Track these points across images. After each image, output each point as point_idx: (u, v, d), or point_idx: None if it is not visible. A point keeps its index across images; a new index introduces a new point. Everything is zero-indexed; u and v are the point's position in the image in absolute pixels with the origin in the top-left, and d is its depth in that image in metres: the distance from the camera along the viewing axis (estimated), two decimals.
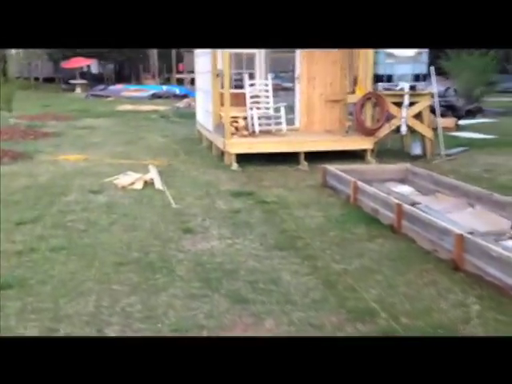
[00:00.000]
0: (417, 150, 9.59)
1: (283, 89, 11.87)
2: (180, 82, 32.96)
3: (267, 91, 9.96)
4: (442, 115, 10.93)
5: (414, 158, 9.51)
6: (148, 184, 7.34)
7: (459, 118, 14.56)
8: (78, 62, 34.28)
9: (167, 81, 34.86)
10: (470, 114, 15.98)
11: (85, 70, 36.70)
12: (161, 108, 20.22)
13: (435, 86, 9.42)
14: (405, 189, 7.03)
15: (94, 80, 34.41)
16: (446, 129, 11.27)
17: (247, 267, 4.48)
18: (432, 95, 9.54)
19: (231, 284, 4.13)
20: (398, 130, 9.63)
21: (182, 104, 21.53)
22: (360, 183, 6.28)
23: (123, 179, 7.37)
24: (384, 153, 9.59)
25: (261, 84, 10.08)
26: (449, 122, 13.26)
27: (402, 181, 7.43)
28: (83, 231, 5.35)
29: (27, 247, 4.85)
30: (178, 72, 35.51)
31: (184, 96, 24.89)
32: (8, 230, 5.32)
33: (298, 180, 7.94)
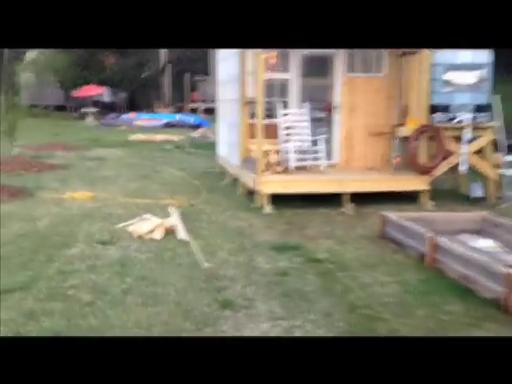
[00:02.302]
0: (477, 191, 8.25)
1: (314, 119, 10.64)
2: (193, 111, 32.19)
3: (303, 121, 8.72)
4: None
5: (473, 201, 8.19)
6: (169, 232, 6.06)
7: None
8: (90, 90, 33.56)
9: (180, 109, 34.06)
10: None
11: (96, 98, 36.02)
12: (175, 138, 19.12)
13: (501, 118, 8.13)
14: (487, 243, 5.68)
15: (106, 108, 33.65)
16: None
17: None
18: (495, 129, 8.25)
19: None
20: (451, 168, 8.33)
21: (197, 134, 20.52)
22: (441, 239, 4.95)
23: (139, 226, 6.08)
24: (438, 194, 8.25)
25: (295, 114, 8.86)
26: (494, 158, 11.95)
27: (479, 232, 6.09)
28: (88, 304, 4.03)
29: (11, 331, 3.53)
30: (192, 101, 34.74)
31: (198, 126, 24.04)
32: None
33: (347, 228, 6.61)
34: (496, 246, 5.59)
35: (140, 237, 5.80)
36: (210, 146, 15.85)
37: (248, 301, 4.18)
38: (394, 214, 6.03)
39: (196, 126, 23.91)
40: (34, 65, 31.85)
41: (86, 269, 4.82)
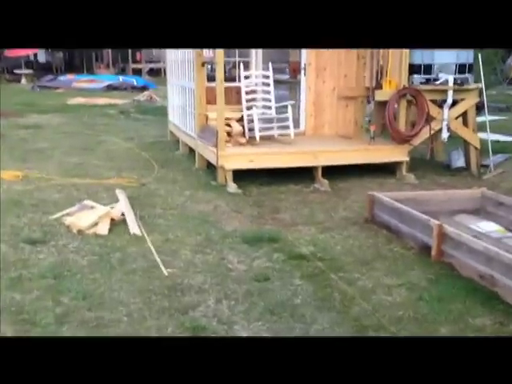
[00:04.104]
0: (459, 160, 7.53)
1: (277, 82, 9.59)
2: (137, 72, 30.35)
3: (268, 85, 7.67)
4: None
5: (455, 171, 7.48)
6: (117, 222, 4.98)
7: None
8: (23, 50, 30.92)
9: (123, 71, 32.05)
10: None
11: (31, 58, 33.37)
12: (118, 102, 17.58)
13: (483, 80, 7.35)
14: (490, 226, 4.92)
15: (41, 69, 31.20)
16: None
17: None
18: (480, 91, 7.48)
19: None
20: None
21: (142, 97, 18.99)
22: (452, 230, 4.12)
23: (79, 216, 4.95)
24: (415, 165, 7.44)
25: (258, 76, 7.79)
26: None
27: (477, 212, 5.34)
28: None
29: None
30: (135, 61, 32.74)
31: (143, 88, 22.47)
32: None
33: (327, 209, 5.72)
34: (502, 230, 4.85)
35: (80, 232, 4.68)
36: (157, 111, 14.55)
37: (225, 324, 3.22)
38: (384, 195, 5.16)
39: (141, 89, 22.35)
40: None
41: (8, 282, 3.69)
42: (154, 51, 31.74)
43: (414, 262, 4.20)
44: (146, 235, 4.68)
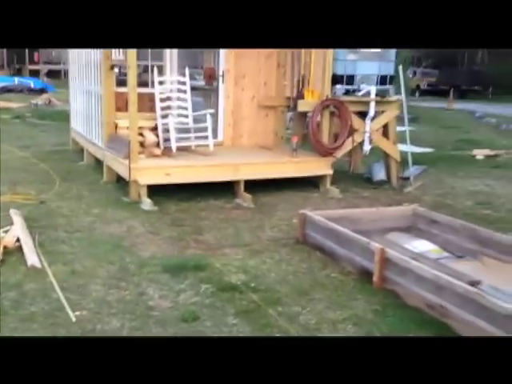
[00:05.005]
0: (380, 173, 7.42)
1: (191, 89, 9.03)
2: (34, 73, 28.38)
3: (184, 92, 7.10)
4: None
5: (377, 184, 7.36)
6: (11, 251, 4.19)
7: None
8: None
9: (18, 72, 29.83)
10: None
11: None
12: (13, 105, 16.12)
13: (403, 91, 7.29)
14: (424, 245, 4.71)
15: None
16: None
17: None
18: (401, 103, 7.41)
19: None
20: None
21: (40, 100, 17.59)
22: (396, 255, 3.80)
23: None
24: (337, 178, 7.20)
25: (174, 82, 7.20)
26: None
27: (409, 230, 5.13)
28: None
29: None
30: (33, 62, 30.62)
31: (41, 90, 20.94)
32: None
33: (254, 228, 5.26)
34: (438, 250, 4.65)
35: None
36: (57, 116, 13.41)
37: None
38: (315, 213, 4.80)
39: (39, 91, 20.82)
40: None
41: None
42: (54, 51, 29.92)
43: (356, 290, 3.84)
44: (47, 267, 3.94)
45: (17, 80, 23.38)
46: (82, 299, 3.49)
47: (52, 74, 29.54)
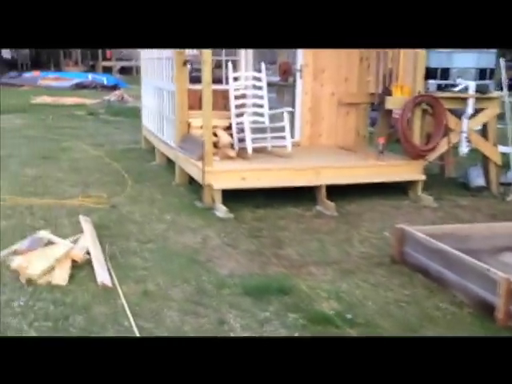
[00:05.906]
0: (478, 178, 6.61)
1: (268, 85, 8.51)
2: (107, 70, 28.98)
3: (260, 89, 6.62)
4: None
5: (475, 191, 6.55)
6: (80, 264, 3.85)
7: None
8: None
9: (92, 68, 30.59)
10: None
11: None
12: (87, 101, 16.30)
13: (505, 86, 6.45)
14: None
15: (5, 66, 29.50)
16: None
17: None
18: (502, 100, 6.57)
19: None
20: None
21: (113, 97, 17.72)
22: None
23: (30, 258, 3.79)
24: (428, 183, 6.44)
25: (249, 78, 6.73)
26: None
27: None
28: None
29: None
30: (105, 59, 31.31)
31: (113, 87, 21.19)
32: None
33: (341, 242, 4.69)
34: None
35: (30, 281, 3.54)
36: (130, 112, 13.32)
37: None
38: (416, 229, 4.17)
39: (111, 88, 21.07)
40: None
41: None
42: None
43: (475, 329, 3.20)
44: (117, 285, 3.57)
45: (90, 76, 23.86)
46: (156, 328, 3.07)
47: (124, 71, 30.03)
